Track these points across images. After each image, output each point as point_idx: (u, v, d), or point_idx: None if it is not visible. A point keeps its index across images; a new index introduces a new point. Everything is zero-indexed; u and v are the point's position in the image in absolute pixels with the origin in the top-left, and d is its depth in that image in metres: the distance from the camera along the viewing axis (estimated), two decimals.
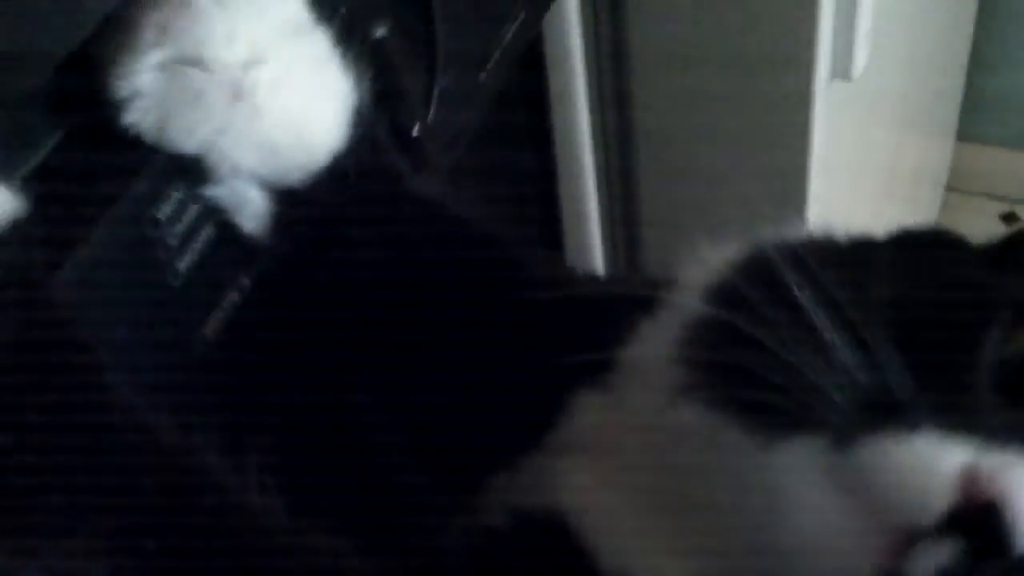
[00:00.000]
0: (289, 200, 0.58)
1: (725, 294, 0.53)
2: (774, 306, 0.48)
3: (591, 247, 1.05)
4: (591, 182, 1.00)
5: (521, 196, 0.95)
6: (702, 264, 0.57)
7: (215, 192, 0.56)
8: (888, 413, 0.45)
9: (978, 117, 2.63)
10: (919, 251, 0.57)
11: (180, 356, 0.56)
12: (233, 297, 0.58)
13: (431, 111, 0.71)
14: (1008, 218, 2.69)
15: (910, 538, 0.43)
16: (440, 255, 0.62)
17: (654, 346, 0.55)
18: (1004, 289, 0.52)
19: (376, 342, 0.60)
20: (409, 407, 0.60)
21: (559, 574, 0.51)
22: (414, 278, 0.61)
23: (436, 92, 0.70)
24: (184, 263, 0.55)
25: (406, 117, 0.67)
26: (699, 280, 0.56)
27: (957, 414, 0.45)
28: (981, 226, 2.68)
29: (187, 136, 0.53)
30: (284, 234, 0.59)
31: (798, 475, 0.46)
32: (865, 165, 1.27)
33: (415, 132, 0.67)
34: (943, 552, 0.43)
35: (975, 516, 0.42)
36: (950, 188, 2.67)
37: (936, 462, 0.44)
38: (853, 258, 0.56)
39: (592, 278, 0.75)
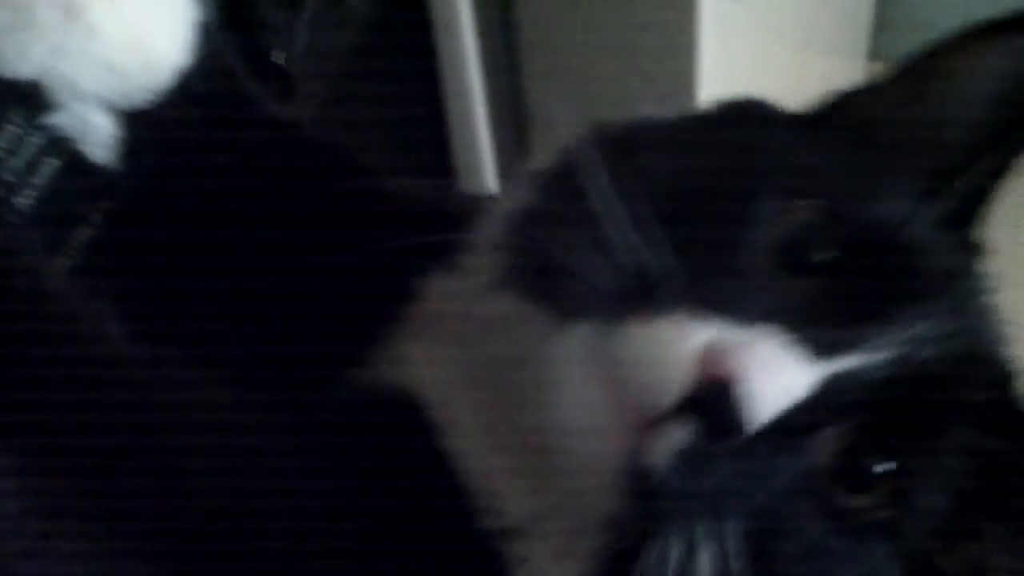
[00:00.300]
0: (138, 124, 0.56)
1: (539, 187, 0.53)
2: (569, 198, 0.48)
3: (481, 167, 1.03)
4: (479, 100, 0.99)
5: (408, 118, 0.93)
6: (535, 160, 0.57)
7: (57, 120, 0.54)
8: (642, 295, 0.44)
9: (889, 36, 2.64)
10: (719, 124, 0.56)
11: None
12: (84, 232, 0.56)
13: (297, 37, 0.68)
14: None
15: (653, 419, 0.43)
16: (296, 177, 0.61)
17: (482, 233, 0.55)
18: (794, 159, 0.52)
19: (236, 263, 0.59)
20: (268, 319, 0.59)
21: (406, 446, 0.51)
22: (270, 199, 0.60)
23: (301, 17, 0.68)
24: (25, 199, 0.53)
25: (267, 43, 0.65)
26: (528, 173, 0.56)
27: (718, 290, 0.45)
28: None
29: (20, 59, 0.51)
30: (136, 162, 0.57)
31: (568, 359, 0.45)
32: (762, 87, 1.27)
33: (278, 58, 0.65)
34: (680, 433, 0.42)
35: (712, 394, 0.42)
36: None
37: (679, 342, 0.43)
38: (653, 138, 0.55)
39: (455, 195, 0.75)
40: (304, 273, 0.58)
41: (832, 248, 0.49)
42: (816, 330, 0.45)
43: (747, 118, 0.56)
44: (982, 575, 0.52)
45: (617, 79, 0.95)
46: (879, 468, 0.48)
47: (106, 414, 0.44)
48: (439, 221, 0.60)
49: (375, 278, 0.57)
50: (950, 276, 0.50)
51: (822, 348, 0.44)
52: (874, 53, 2.69)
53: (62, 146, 0.54)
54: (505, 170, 1.07)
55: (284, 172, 0.60)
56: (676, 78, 0.94)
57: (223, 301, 0.58)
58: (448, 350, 0.53)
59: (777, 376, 0.43)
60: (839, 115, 0.56)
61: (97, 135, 0.55)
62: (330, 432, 0.52)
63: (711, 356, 0.42)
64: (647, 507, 0.44)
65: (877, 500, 0.48)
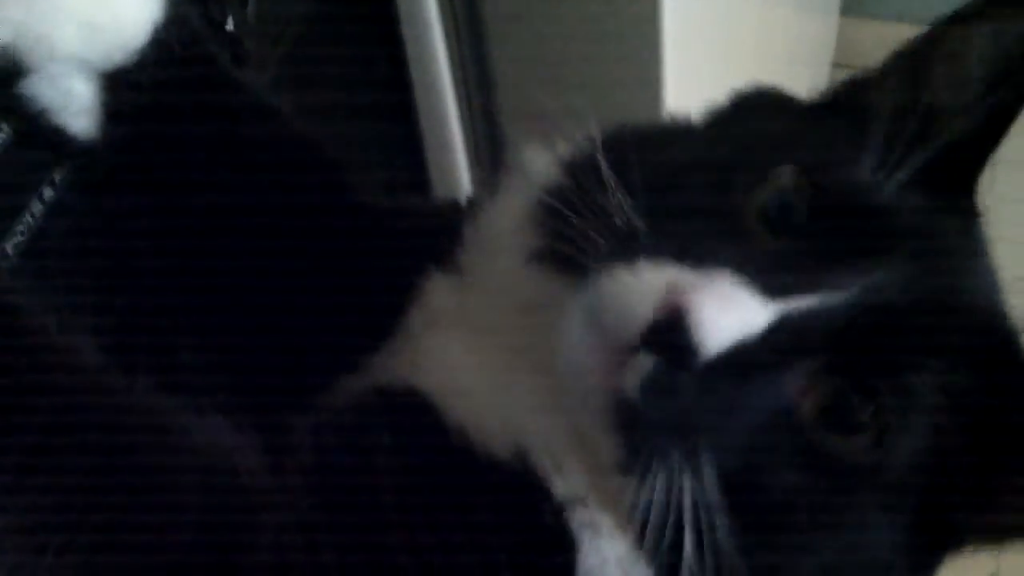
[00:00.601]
0: (118, 86, 0.55)
1: (562, 170, 0.58)
2: (586, 182, 0.53)
3: (452, 146, 1.02)
4: (446, 76, 0.97)
5: (367, 91, 0.92)
6: (540, 154, 0.61)
7: (36, 87, 0.53)
8: (625, 250, 0.49)
9: None
10: (739, 111, 0.60)
11: None
12: (36, 207, 0.56)
13: (249, 5, 0.68)
14: None
15: (623, 354, 0.47)
16: (274, 162, 0.61)
17: (505, 217, 0.59)
18: (788, 136, 0.56)
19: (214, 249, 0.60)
20: (255, 302, 0.61)
21: (418, 442, 0.53)
22: (251, 180, 0.60)
23: None
24: None
25: (219, 11, 0.64)
26: (545, 165, 0.60)
27: (686, 241, 0.49)
28: None
29: None
30: (114, 130, 0.56)
31: (570, 311, 0.50)
32: (730, 43, 1.27)
33: (230, 26, 0.64)
34: (644, 365, 0.46)
35: (667, 327, 0.46)
36: (837, 64, 2.68)
37: (645, 284, 0.47)
38: (664, 131, 0.60)
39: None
40: (286, 269, 0.60)
41: (807, 209, 0.52)
42: (774, 274, 0.48)
43: (758, 105, 0.61)
44: (1004, 532, 0.55)
45: (579, 41, 0.94)
46: (859, 409, 0.50)
47: (80, 436, 0.45)
48: (426, 226, 0.64)
49: (364, 278, 0.60)
50: (922, 232, 0.53)
51: (779, 288, 0.48)
52: (847, 8, 2.68)
53: (14, 113, 0.53)
54: (475, 150, 1.06)
55: (261, 153, 0.61)
56: (638, 34, 0.93)
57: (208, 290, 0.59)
58: (470, 340, 0.56)
59: (730, 310, 0.46)
60: (843, 99, 0.61)
61: (78, 102, 0.55)
62: (334, 442, 0.53)
63: (670, 292, 0.46)
64: (630, 438, 0.48)
65: (859, 442, 0.50)
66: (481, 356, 0.55)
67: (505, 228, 0.58)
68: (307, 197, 0.62)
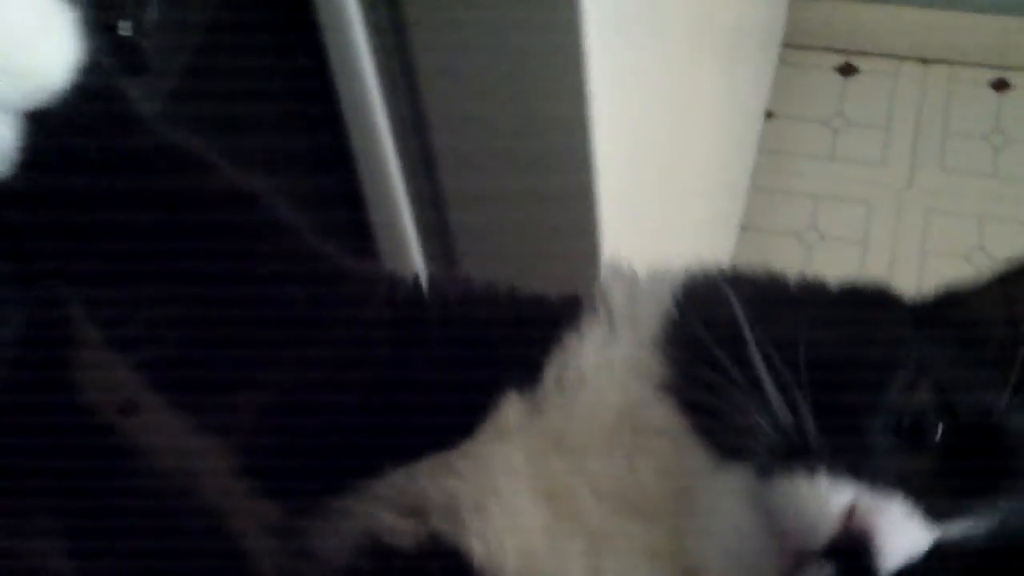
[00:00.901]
0: (39, 129, 0.54)
1: (682, 304, 0.64)
2: (723, 338, 0.59)
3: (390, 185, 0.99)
4: (374, 85, 0.95)
5: (278, 94, 0.89)
6: (635, 281, 0.68)
7: None
8: (799, 454, 0.56)
9: None
10: (855, 305, 0.68)
11: None
12: None
13: (148, 7, 0.65)
14: (844, 69, 2.74)
15: (803, 559, 0.54)
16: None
17: (622, 346, 0.64)
18: (915, 348, 0.63)
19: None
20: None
21: None
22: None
23: None
24: None
25: (114, 13, 0.62)
26: (646, 298, 0.66)
27: (856, 457, 0.57)
28: (818, 78, 2.72)
29: None
30: (31, 173, 0.54)
31: (729, 495, 0.57)
32: (664, 30, 1.25)
33: (125, 30, 0.62)
34: (824, 570, 0.53)
35: (851, 545, 0.53)
36: (787, 44, 2.70)
37: (828, 499, 0.55)
38: (798, 303, 0.68)
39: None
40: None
41: (943, 429, 0.60)
42: (933, 500, 0.56)
43: (874, 303, 0.69)
44: None
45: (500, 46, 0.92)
46: None
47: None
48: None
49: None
50: None
51: (937, 515, 0.56)
52: None
53: None
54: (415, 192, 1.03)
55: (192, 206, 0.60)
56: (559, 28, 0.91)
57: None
58: (562, 462, 0.60)
59: (904, 536, 0.54)
60: (947, 310, 0.68)
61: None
62: None
63: (855, 514, 0.54)
64: None
65: None
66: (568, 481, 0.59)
67: (619, 355, 0.64)
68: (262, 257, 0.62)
